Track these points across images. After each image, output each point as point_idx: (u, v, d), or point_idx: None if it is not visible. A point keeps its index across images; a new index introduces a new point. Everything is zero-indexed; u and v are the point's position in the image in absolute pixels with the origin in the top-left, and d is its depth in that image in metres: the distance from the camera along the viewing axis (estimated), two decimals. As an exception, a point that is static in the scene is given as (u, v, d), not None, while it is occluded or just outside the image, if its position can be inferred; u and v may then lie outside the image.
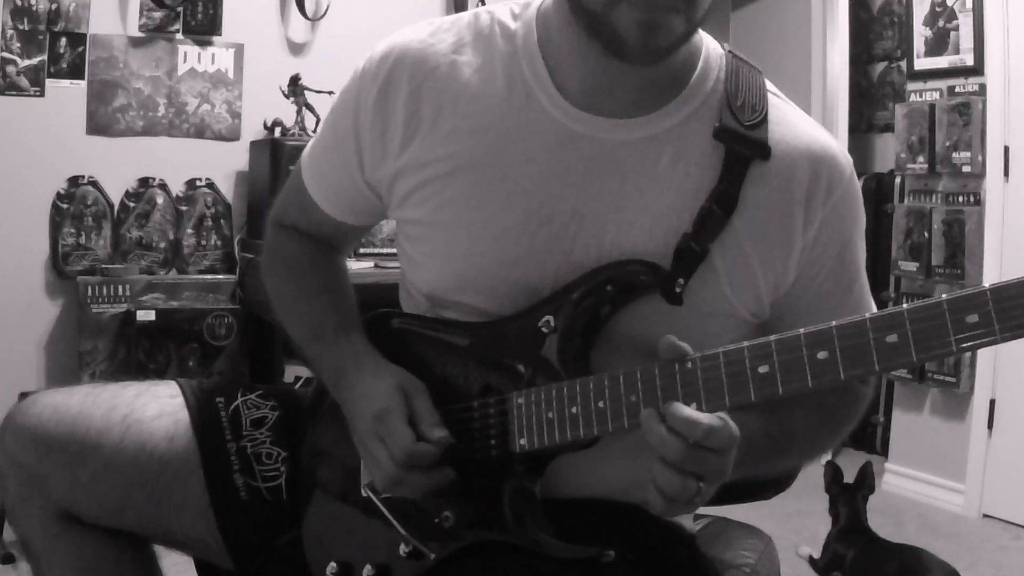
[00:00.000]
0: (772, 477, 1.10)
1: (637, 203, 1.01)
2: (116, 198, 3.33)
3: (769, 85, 1.07)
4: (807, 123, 1.07)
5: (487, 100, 1.04)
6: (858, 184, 1.08)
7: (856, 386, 1.12)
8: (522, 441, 1.00)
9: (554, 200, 1.02)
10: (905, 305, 0.81)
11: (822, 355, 0.84)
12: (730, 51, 1.07)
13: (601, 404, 0.95)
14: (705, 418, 0.86)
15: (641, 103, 1.01)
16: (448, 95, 1.05)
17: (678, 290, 0.98)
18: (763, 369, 0.87)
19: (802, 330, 0.86)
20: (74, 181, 3.26)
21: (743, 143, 1.01)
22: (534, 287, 1.03)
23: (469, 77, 1.06)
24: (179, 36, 3.38)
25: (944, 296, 0.80)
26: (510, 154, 1.03)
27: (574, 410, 0.96)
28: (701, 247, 0.99)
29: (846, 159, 1.07)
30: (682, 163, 1.01)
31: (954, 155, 3.30)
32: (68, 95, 3.24)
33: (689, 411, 0.87)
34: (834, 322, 0.85)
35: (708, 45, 1.06)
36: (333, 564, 1.09)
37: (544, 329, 1.01)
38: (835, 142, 1.07)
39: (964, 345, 0.79)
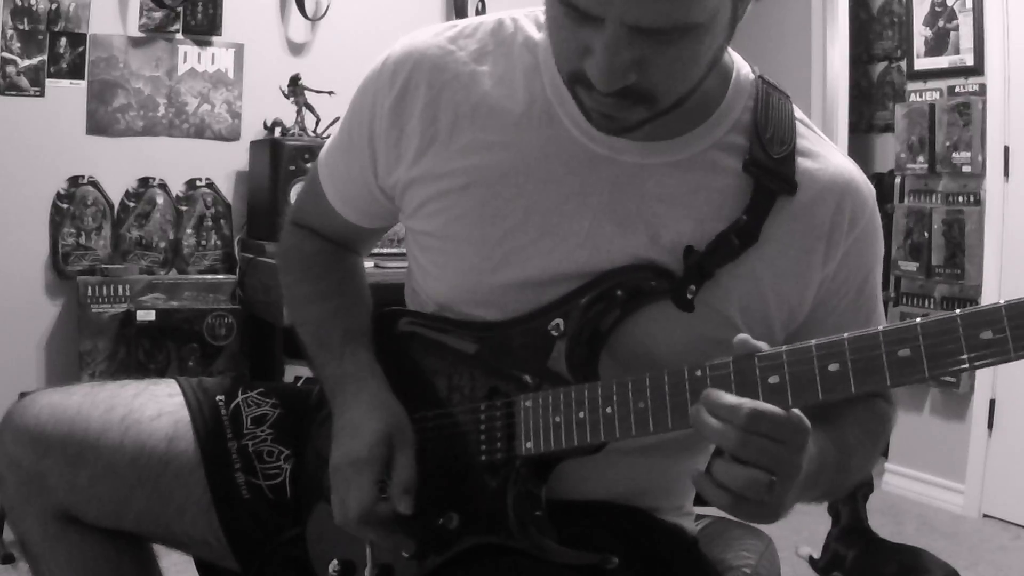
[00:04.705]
0: (837, 495, 1.07)
1: (652, 227, 0.99)
2: (116, 198, 3.32)
3: (797, 112, 1.05)
4: (832, 153, 1.05)
5: (506, 114, 1.03)
6: (879, 216, 1.06)
7: (886, 408, 1.10)
8: (528, 445, 0.99)
9: (569, 221, 1.01)
10: (919, 319, 0.80)
11: (833, 368, 0.83)
12: (760, 76, 1.05)
13: (609, 410, 0.94)
14: (749, 402, 0.82)
15: (665, 127, 0.98)
16: (466, 106, 1.03)
17: (689, 296, 0.97)
18: (773, 380, 0.85)
19: (813, 341, 0.85)
20: (74, 181, 3.26)
21: (771, 178, 0.99)
22: (543, 306, 1.02)
23: (489, 89, 1.03)
24: (179, 36, 3.37)
25: (958, 311, 0.78)
26: (527, 172, 1.02)
27: (581, 415, 0.96)
28: (708, 268, 0.97)
29: (869, 190, 1.05)
30: (703, 192, 0.99)
31: (954, 155, 3.30)
32: (68, 95, 3.24)
33: (729, 396, 0.83)
34: (846, 334, 0.83)
35: (739, 69, 1.04)
36: (335, 562, 1.09)
37: (553, 333, 1.00)
38: (859, 172, 1.06)
39: (978, 363, 0.78)
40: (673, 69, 0.89)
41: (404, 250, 1.18)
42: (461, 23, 1.09)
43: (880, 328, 0.82)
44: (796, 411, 0.84)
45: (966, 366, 0.78)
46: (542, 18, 1.06)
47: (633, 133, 0.97)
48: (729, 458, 0.83)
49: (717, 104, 1.01)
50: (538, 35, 1.05)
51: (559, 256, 1.01)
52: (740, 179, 1.00)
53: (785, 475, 0.84)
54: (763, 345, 0.87)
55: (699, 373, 0.89)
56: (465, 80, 1.04)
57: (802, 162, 1.01)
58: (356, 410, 1.06)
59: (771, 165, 0.99)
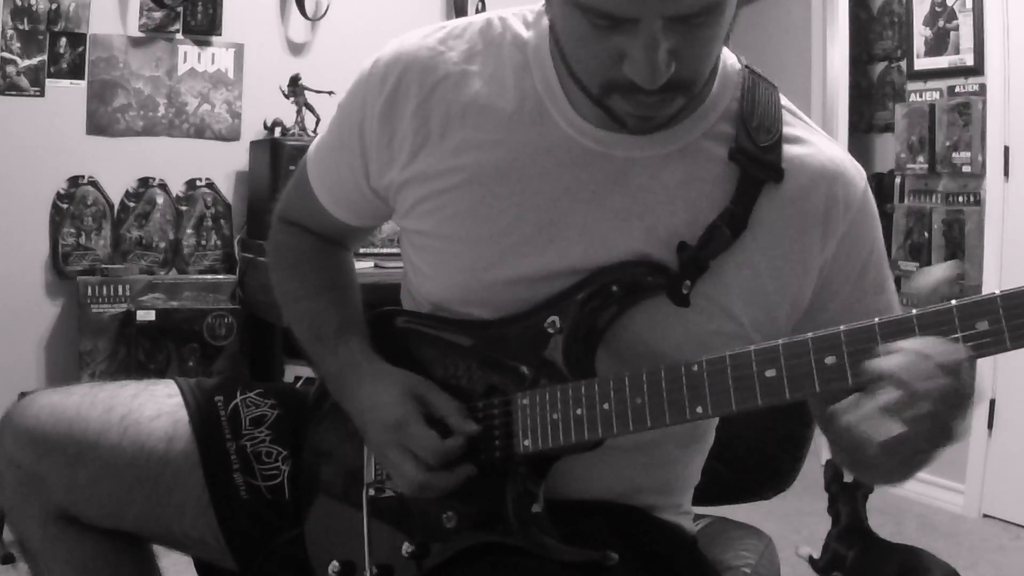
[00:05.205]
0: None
1: (647, 220, 1.00)
2: (116, 198, 3.32)
3: (784, 101, 1.05)
4: (820, 140, 1.05)
5: (497, 112, 1.03)
6: (872, 197, 1.07)
7: None
8: (526, 443, 0.99)
9: (563, 217, 1.01)
10: (914, 311, 0.80)
11: (829, 360, 0.83)
12: (747, 66, 1.05)
13: (607, 406, 0.94)
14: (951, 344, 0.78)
15: None
16: (457, 106, 1.03)
17: (685, 292, 0.97)
18: (770, 373, 0.85)
19: (810, 334, 0.85)
20: (74, 181, 3.26)
21: (757, 166, 0.99)
22: (539, 303, 1.02)
23: (479, 88, 1.04)
24: (179, 36, 3.37)
25: (954, 302, 0.78)
26: (520, 169, 1.02)
27: (579, 412, 0.96)
28: (703, 261, 0.98)
29: (860, 174, 1.06)
30: (695, 182, 1.00)
31: (954, 155, 3.29)
32: (68, 95, 3.24)
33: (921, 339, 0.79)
34: (842, 327, 0.83)
35: (726, 60, 1.04)
36: (335, 563, 1.09)
37: (550, 330, 1.00)
38: (848, 157, 1.06)
39: (974, 353, 0.78)
40: (703, 51, 0.90)
41: (402, 251, 1.18)
42: (450, 24, 1.09)
43: (876, 320, 0.82)
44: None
45: None
46: (530, 17, 1.07)
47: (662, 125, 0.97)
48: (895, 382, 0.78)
49: (705, 95, 1.01)
50: (527, 33, 1.05)
51: (554, 253, 1.01)
52: (727, 168, 1.00)
53: (954, 407, 0.80)
54: None
55: (695, 368, 0.89)
56: (455, 80, 1.04)
57: (790, 149, 1.02)
58: (366, 392, 1.06)
59: (757, 153, 0.99)
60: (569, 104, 1.01)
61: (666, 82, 0.88)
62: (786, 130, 1.03)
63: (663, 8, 0.84)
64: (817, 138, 1.05)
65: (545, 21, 1.03)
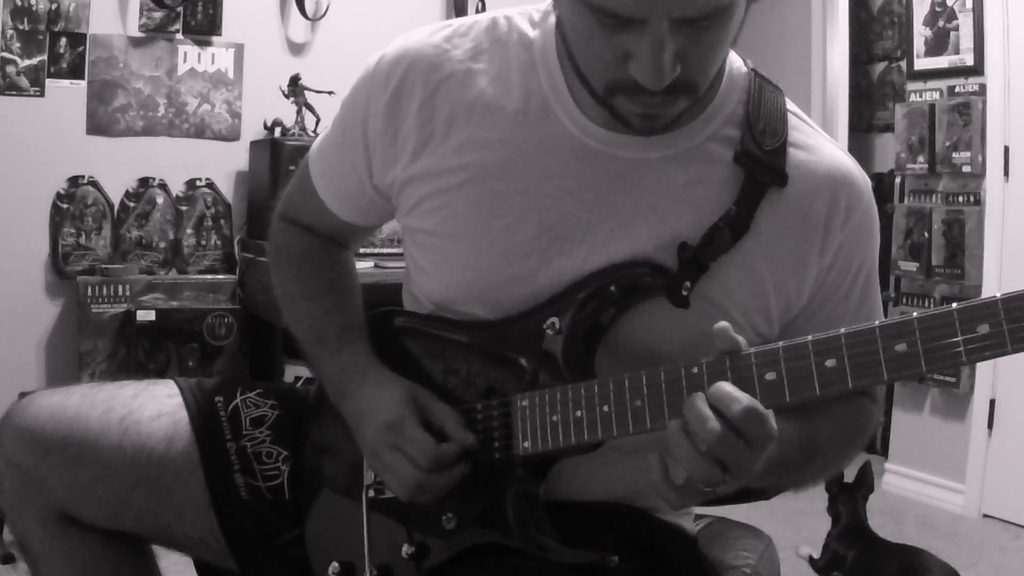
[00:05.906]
0: (786, 489, 1.09)
1: (651, 222, 1.00)
2: (116, 198, 3.33)
3: (790, 105, 1.05)
4: (826, 145, 1.05)
5: (502, 111, 1.03)
6: (875, 206, 1.07)
7: (868, 406, 1.10)
8: (525, 444, 0.99)
9: (567, 217, 1.01)
10: (915, 313, 0.80)
11: (830, 363, 0.83)
12: (753, 69, 1.05)
13: (606, 408, 0.94)
14: (746, 398, 0.82)
15: None
16: (462, 104, 1.03)
17: (684, 293, 0.97)
18: (770, 376, 0.85)
19: (810, 337, 0.84)
20: (74, 181, 3.26)
21: (762, 169, 0.99)
22: (540, 303, 1.02)
23: (485, 86, 1.03)
24: (179, 36, 3.38)
25: (955, 305, 0.78)
26: (525, 168, 1.02)
27: (578, 414, 0.95)
28: (703, 262, 0.98)
29: (864, 182, 1.05)
30: (699, 185, 1.00)
31: (954, 155, 3.29)
32: (68, 95, 3.24)
33: (732, 387, 0.84)
34: (843, 330, 0.83)
35: (732, 63, 1.04)
36: (335, 564, 1.09)
37: (549, 331, 1.00)
38: (854, 163, 1.06)
39: (974, 357, 0.78)
40: (710, 53, 0.90)
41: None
42: (455, 23, 1.09)
43: (876, 323, 0.82)
44: (768, 413, 0.84)
45: (963, 360, 0.78)
46: (536, 16, 1.06)
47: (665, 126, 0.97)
48: (695, 448, 0.83)
49: (711, 97, 1.01)
50: (533, 33, 1.05)
51: (557, 252, 1.01)
52: (732, 170, 1.00)
53: (739, 475, 0.84)
54: (742, 341, 0.87)
55: (695, 370, 0.89)
56: (460, 78, 1.04)
57: (795, 154, 1.02)
58: (365, 395, 1.06)
59: (762, 157, 0.99)
60: (575, 104, 1.01)
61: (671, 83, 0.88)
62: (792, 135, 1.02)
63: (671, 9, 0.84)
64: (824, 144, 1.05)
65: (551, 21, 1.03)
